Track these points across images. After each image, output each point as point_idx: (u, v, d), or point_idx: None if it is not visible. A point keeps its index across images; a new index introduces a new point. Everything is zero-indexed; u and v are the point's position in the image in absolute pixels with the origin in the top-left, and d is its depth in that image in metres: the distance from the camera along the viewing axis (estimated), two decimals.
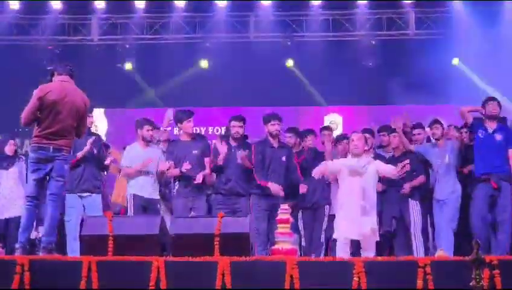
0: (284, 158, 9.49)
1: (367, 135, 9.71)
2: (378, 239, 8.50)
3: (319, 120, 13.10)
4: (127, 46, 14.37)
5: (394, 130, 9.92)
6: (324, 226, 9.80)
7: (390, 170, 8.59)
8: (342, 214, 8.48)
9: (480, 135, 9.10)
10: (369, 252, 8.31)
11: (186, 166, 9.39)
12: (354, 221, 8.29)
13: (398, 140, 9.86)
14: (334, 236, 8.59)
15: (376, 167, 8.49)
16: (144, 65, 14.42)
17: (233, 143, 9.62)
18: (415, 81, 13.60)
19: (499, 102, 9.33)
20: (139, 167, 9.50)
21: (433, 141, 9.90)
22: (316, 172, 8.51)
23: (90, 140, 9.38)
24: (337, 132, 12.40)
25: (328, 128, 10.76)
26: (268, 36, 14.33)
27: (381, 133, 10.29)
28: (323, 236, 9.81)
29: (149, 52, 14.37)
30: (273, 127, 9.51)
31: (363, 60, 14.22)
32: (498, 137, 8.98)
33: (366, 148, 8.82)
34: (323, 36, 14.25)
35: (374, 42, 14.16)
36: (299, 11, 14.27)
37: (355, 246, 8.71)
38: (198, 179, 9.39)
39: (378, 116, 13.29)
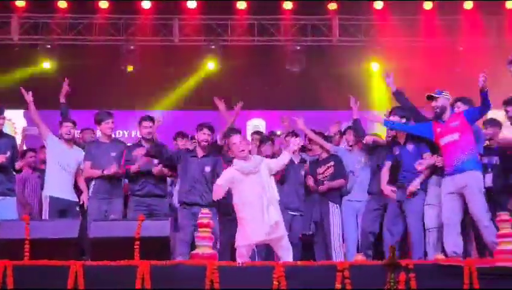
0: (208, 168, 9.43)
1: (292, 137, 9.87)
2: (285, 233, 8.43)
3: (241, 125, 13.11)
4: (48, 46, 14.12)
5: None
6: None
7: (283, 160, 8.63)
8: (243, 217, 8.41)
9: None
10: (283, 249, 8.33)
11: (112, 169, 9.33)
12: (257, 221, 8.24)
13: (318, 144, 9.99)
14: (237, 244, 8.42)
15: (267, 164, 8.50)
16: (65, 66, 14.19)
17: (146, 145, 9.55)
18: (337, 87, 13.76)
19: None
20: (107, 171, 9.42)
21: (347, 146, 10.08)
22: (214, 196, 8.49)
23: None
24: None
25: (257, 132, 10.84)
26: (193, 40, 14.28)
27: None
28: None
29: (71, 53, 14.17)
30: (202, 136, 9.47)
31: (288, 65, 14.27)
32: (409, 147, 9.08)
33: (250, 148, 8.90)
34: (248, 41, 14.27)
35: (298, 48, 14.22)
36: (224, 15, 14.26)
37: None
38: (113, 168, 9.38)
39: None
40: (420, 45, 14.00)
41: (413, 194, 8.78)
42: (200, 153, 9.46)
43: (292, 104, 14.01)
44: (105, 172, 9.37)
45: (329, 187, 9.74)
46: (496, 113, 9.41)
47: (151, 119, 9.63)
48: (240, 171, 8.35)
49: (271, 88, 13.79)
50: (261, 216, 8.20)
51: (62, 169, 9.48)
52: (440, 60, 13.81)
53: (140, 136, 9.75)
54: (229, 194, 8.58)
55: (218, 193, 8.39)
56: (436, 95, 8.65)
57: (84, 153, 9.71)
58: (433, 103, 8.68)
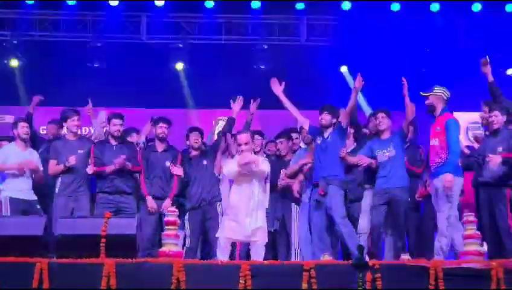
0: (167, 163, 9.59)
1: (257, 137, 9.93)
2: (265, 240, 8.56)
3: (208, 123, 13.09)
4: (15, 42, 13.98)
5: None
6: None
7: (263, 168, 8.66)
8: (228, 214, 8.54)
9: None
10: (255, 253, 8.37)
11: (72, 160, 9.27)
12: (239, 222, 8.38)
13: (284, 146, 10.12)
14: (217, 235, 8.64)
15: (263, 168, 8.60)
16: (32, 63, 14.07)
17: (113, 142, 9.53)
18: (300, 87, 13.79)
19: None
20: (16, 166, 9.29)
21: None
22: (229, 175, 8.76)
23: None
24: None
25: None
26: (160, 38, 14.23)
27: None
28: None
29: (38, 49, 14.06)
30: (160, 129, 9.55)
31: (255, 63, 14.27)
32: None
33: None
34: (216, 39, 14.25)
35: (265, 47, 14.22)
36: (192, 13, 14.23)
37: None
38: (90, 168, 9.38)
39: (268, 119, 13.41)
40: None
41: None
42: (159, 147, 9.70)
43: (260, 103, 14.00)
44: (66, 164, 9.32)
45: (287, 183, 9.72)
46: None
47: (121, 117, 9.61)
48: (238, 168, 8.48)
49: (238, 87, 13.75)
50: (244, 219, 8.27)
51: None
52: None
53: (108, 134, 9.73)
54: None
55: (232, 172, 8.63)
56: (427, 93, 8.66)
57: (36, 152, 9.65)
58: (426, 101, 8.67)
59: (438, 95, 8.60)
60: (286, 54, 14.13)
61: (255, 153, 9.49)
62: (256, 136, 10.11)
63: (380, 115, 9.23)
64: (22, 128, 9.50)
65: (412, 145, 9.67)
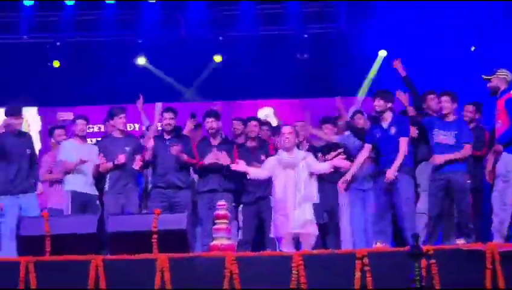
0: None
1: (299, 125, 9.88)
2: (315, 232, 8.48)
3: (252, 114, 13.11)
4: (58, 43, 14.14)
5: (325, 122, 10.05)
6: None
7: (324, 168, 8.64)
8: (277, 209, 8.50)
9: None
10: (306, 245, 8.34)
11: (121, 158, 9.35)
12: (288, 216, 8.31)
13: (329, 132, 9.94)
14: (272, 235, 8.57)
15: (308, 164, 8.52)
16: (74, 63, 14.21)
17: (166, 136, 9.59)
18: (346, 74, 13.77)
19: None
20: (76, 163, 9.42)
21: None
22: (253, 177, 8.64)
23: None
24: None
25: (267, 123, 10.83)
26: (200, 32, 14.26)
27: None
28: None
29: (79, 49, 14.19)
30: (208, 124, 9.57)
31: (296, 53, 14.25)
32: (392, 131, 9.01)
33: (297, 140, 8.93)
34: (255, 31, 14.25)
35: (306, 36, 14.20)
36: (230, 6, 14.24)
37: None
38: (136, 164, 9.38)
39: (310, 109, 13.39)
40: None
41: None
42: (214, 141, 9.63)
43: (301, 93, 14.01)
44: (116, 162, 9.40)
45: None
46: None
47: (174, 111, 9.68)
48: (279, 161, 8.46)
49: (280, 77, 13.75)
50: (291, 212, 8.27)
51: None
52: None
53: (161, 128, 9.80)
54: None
55: (257, 176, 8.61)
56: (489, 76, 8.57)
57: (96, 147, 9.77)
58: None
59: (502, 77, 8.53)
60: (326, 42, 14.07)
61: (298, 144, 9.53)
62: (264, 127, 10.15)
63: (444, 98, 9.09)
64: (80, 126, 9.67)
65: (476, 127, 9.56)
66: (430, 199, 8.84)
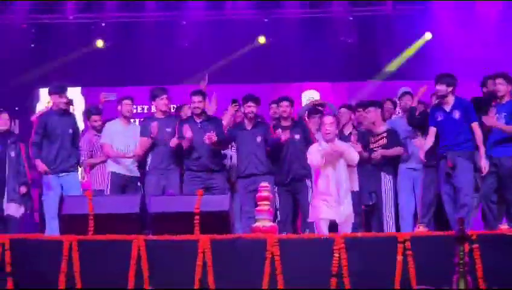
0: (259, 139, 9.52)
1: (343, 111, 9.94)
2: (351, 224, 8.50)
3: (296, 97, 13.08)
4: (103, 24, 14.21)
5: (369, 106, 9.95)
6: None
7: (353, 158, 8.59)
8: (318, 197, 8.50)
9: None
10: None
11: (154, 129, 9.39)
12: (330, 207, 8.33)
13: (373, 116, 9.87)
14: (310, 219, 8.63)
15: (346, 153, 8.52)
16: (119, 44, 14.28)
17: (197, 119, 9.57)
18: (392, 57, 13.70)
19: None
20: (119, 154, 9.55)
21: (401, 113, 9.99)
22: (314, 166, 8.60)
23: None
24: None
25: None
26: (244, 13, 14.23)
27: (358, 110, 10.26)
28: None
29: (123, 30, 14.25)
30: (249, 108, 9.57)
31: (341, 36, 14.17)
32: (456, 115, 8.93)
33: (337, 131, 8.94)
34: (301, 13, 14.20)
35: (351, 18, 14.12)
36: None
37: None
38: (173, 142, 9.36)
39: (356, 92, 13.34)
40: None
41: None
42: (248, 125, 9.60)
43: (346, 76, 13.96)
44: (151, 135, 9.41)
45: (383, 155, 9.60)
46: None
47: (202, 94, 9.63)
48: (321, 153, 8.43)
49: (325, 60, 13.69)
50: (335, 205, 8.32)
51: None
52: None
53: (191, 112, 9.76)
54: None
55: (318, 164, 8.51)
56: None
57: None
58: None
59: None
60: (373, 25, 13.97)
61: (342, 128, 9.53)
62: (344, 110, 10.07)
63: (498, 80, 8.98)
64: (126, 106, 9.72)
65: None
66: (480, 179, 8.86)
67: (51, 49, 14.11)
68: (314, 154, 8.50)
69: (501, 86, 8.85)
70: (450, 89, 8.85)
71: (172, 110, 11.02)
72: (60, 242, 7.30)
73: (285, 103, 9.72)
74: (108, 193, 9.38)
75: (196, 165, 9.42)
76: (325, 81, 14.15)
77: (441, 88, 8.87)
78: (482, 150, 8.65)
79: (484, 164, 8.59)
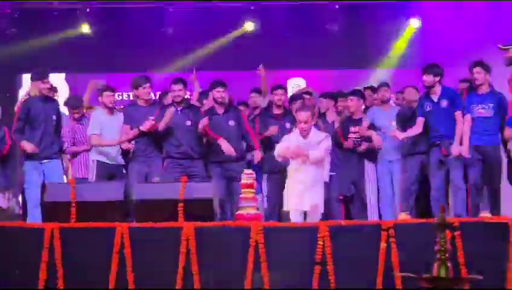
0: (231, 123, 9.50)
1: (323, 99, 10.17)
2: (320, 214, 8.37)
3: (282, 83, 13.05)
4: (88, 9, 14.10)
5: (350, 94, 10.00)
6: None
7: (315, 160, 8.43)
8: (290, 185, 8.48)
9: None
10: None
11: (147, 125, 9.30)
12: (298, 195, 8.30)
13: (354, 104, 9.88)
14: (284, 208, 8.57)
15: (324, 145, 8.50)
16: (104, 30, 14.18)
17: (177, 106, 9.51)
18: (376, 46, 13.67)
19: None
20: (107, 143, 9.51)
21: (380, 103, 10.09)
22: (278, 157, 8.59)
23: None
24: None
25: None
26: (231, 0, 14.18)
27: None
28: None
29: (109, 16, 14.16)
30: (218, 93, 9.53)
31: (328, 23, 14.13)
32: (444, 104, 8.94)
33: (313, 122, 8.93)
34: (287, 0, 14.14)
35: (337, 6, 14.07)
36: None
37: None
38: (145, 125, 9.28)
39: (340, 80, 13.30)
40: None
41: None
42: (219, 109, 9.56)
43: (331, 64, 13.94)
44: (141, 128, 9.31)
45: (368, 148, 9.67)
46: None
47: (181, 82, 9.54)
48: (284, 147, 8.45)
49: (311, 47, 13.66)
50: (303, 192, 8.27)
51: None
52: None
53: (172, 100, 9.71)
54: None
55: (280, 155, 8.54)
56: (507, 46, 8.55)
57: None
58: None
59: None
60: (358, 13, 13.95)
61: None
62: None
63: (475, 69, 8.96)
64: (108, 98, 9.66)
65: None
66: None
67: (35, 35, 13.98)
68: (278, 147, 8.54)
69: (478, 75, 8.82)
70: (437, 78, 8.90)
71: (156, 98, 10.99)
72: (41, 230, 7.27)
73: (279, 91, 9.83)
74: (94, 180, 9.32)
75: (177, 152, 9.38)
76: (312, 69, 14.11)
77: (428, 78, 8.90)
78: (458, 139, 8.64)
79: (456, 153, 8.58)
